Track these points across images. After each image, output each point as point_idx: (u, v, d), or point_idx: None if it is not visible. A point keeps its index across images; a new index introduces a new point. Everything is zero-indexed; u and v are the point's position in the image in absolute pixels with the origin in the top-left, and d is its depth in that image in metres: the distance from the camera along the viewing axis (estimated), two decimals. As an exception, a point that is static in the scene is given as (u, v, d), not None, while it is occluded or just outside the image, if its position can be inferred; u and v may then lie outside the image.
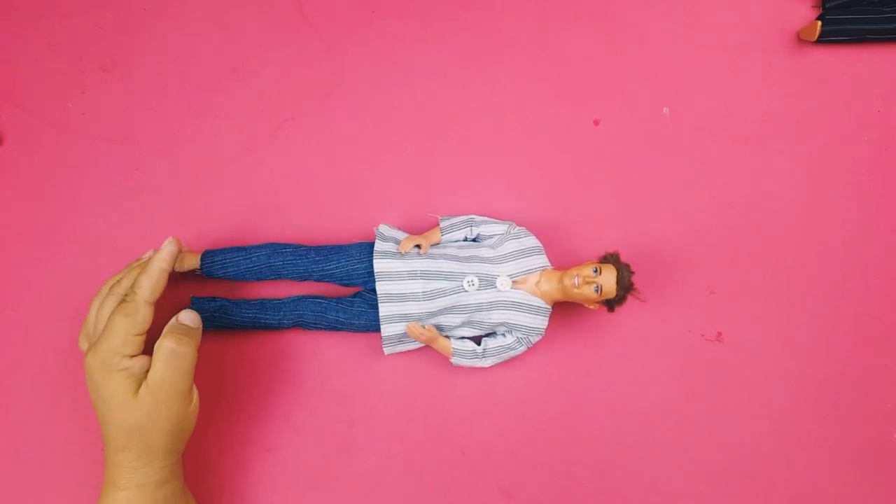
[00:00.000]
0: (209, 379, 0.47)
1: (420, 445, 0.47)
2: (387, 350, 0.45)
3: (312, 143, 0.50)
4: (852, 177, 0.49)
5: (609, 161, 0.49)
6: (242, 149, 0.50)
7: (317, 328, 0.46)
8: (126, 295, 0.39)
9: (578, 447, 0.47)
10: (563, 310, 0.47)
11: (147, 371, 0.38)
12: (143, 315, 0.38)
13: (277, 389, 0.48)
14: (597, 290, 0.41)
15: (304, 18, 0.51)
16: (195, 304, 0.46)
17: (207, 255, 0.46)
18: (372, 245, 0.45)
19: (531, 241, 0.45)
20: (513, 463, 0.47)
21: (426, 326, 0.43)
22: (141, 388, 0.38)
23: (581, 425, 0.47)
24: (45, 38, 0.51)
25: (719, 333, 0.48)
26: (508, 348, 0.44)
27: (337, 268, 0.45)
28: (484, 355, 0.44)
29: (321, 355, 0.48)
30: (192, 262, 0.46)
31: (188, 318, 0.41)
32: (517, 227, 0.46)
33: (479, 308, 0.43)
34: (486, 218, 0.46)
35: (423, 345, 0.45)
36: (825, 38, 0.48)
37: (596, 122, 0.50)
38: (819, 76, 0.50)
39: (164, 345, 0.38)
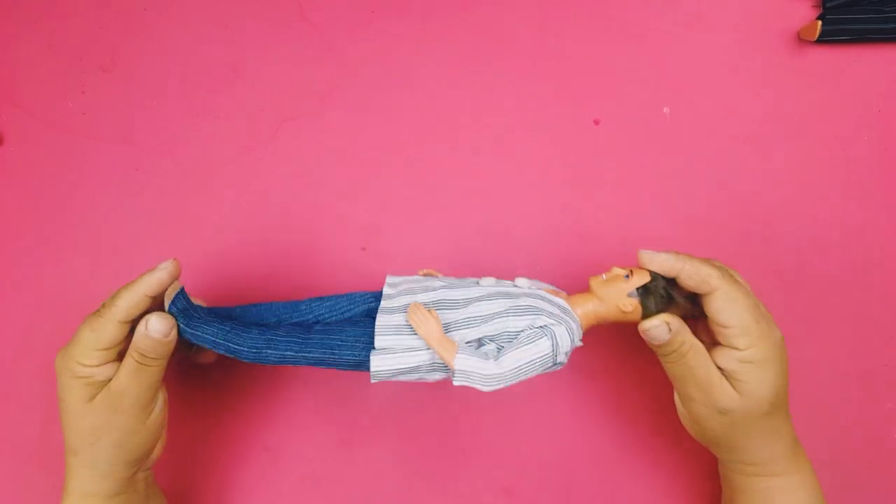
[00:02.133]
0: (210, 378, 0.47)
1: (420, 445, 0.47)
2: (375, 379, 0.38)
3: (312, 142, 0.50)
4: (852, 177, 0.49)
5: (609, 161, 0.49)
6: (242, 149, 0.50)
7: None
8: (101, 307, 0.37)
9: (578, 447, 0.47)
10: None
11: (110, 379, 0.37)
12: (110, 333, 0.36)
13: (277, 389, 0.48)
14: (627, 277, 0.37)
15: (304, 18, 0.51)
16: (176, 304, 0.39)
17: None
18: (365, 300, 0.41)
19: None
20: (513, 463, 0.47)
21: (431, 311, 0.37)
22: (100, 395, 0.37)
23: (581, 425, 0.47)
24: (45, 38, 0.51)
25: (719, 333, 0.48)
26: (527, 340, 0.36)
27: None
28: (498, 356, 0.37)
29: (321, 355, 0.48)
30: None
31: (157, 327, 0.37)
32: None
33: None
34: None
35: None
36: (825, 38, 0.48)
37: (596, 122, 0.50)
38: (819, 76, 0.50)
39: (128, 359, 0.37)
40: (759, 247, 0.48)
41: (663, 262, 0.37)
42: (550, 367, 0.37)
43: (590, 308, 0.38)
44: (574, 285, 0.47)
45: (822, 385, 0.47)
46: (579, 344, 0.38)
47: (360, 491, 0.46)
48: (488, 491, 0.46)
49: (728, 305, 0.35)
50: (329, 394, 0.47)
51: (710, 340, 0.38)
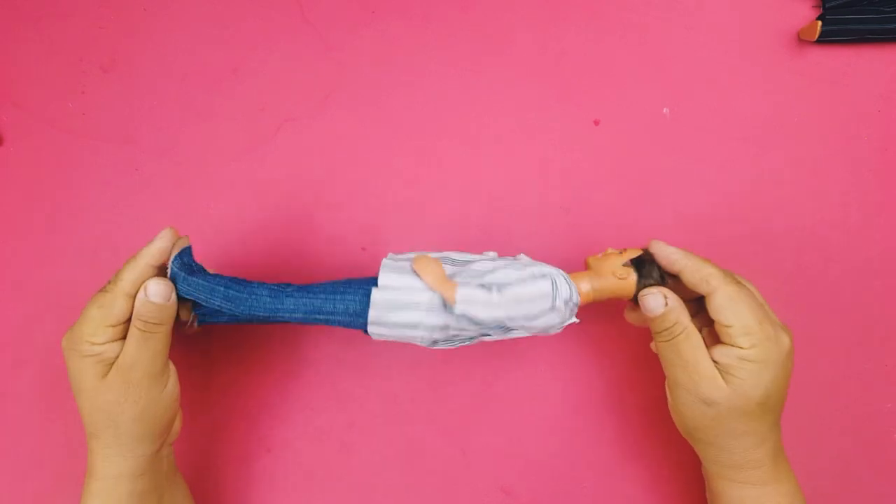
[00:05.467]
0: (210, 378, 0.47)
1: (420, 445, 0.47)
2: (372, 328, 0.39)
3: (313, 143, 0.50)
4: (852, 177, 0.49)
5: (609, 161, 0.49)
6: (242, 149, 0.50)
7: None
8: (107, 284, 0.38)
9: (578, 447, 0.47)
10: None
11: (119, 355, 0.37)
12: (118, 308, 0.37)
13: (277, 389, 0.48)
14: (621, 254, 0.39)
15: (304, 18, 0.51)
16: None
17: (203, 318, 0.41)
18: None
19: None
20: (513, 463, 0.47)
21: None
22: (111, 370, 0.36)
23: (581, 425, 0.47)
24: (45, 38, 0.52)
25: (719, 333, 0.48)
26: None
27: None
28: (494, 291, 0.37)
29: (321, 354, 0.48)
30: (184, 314, 0.41)
31: (157, 291, 0.37)
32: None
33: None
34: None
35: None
36: (825, 38, 0.48)
37: (596, 122, 0.50)
38: (819, 76, 0.50)
39: (132, 330, 0.37)
40: (759, 247, 0.48)
41: (669, 255, 0.39)
42: (547, 315, 0.38)
43: (586, 280, 0.39)
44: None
45: (822, 385, 0.47)
46: (577, 303, 0.39)
47: (360, 491, 0.46)
48: (488, 491, 0.46)
49: (729, 304, 0.36)
50: (329, 394, 0.47)
51: (712, 342, 0.38)
